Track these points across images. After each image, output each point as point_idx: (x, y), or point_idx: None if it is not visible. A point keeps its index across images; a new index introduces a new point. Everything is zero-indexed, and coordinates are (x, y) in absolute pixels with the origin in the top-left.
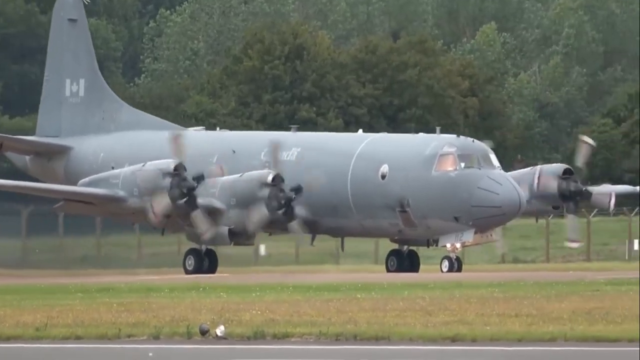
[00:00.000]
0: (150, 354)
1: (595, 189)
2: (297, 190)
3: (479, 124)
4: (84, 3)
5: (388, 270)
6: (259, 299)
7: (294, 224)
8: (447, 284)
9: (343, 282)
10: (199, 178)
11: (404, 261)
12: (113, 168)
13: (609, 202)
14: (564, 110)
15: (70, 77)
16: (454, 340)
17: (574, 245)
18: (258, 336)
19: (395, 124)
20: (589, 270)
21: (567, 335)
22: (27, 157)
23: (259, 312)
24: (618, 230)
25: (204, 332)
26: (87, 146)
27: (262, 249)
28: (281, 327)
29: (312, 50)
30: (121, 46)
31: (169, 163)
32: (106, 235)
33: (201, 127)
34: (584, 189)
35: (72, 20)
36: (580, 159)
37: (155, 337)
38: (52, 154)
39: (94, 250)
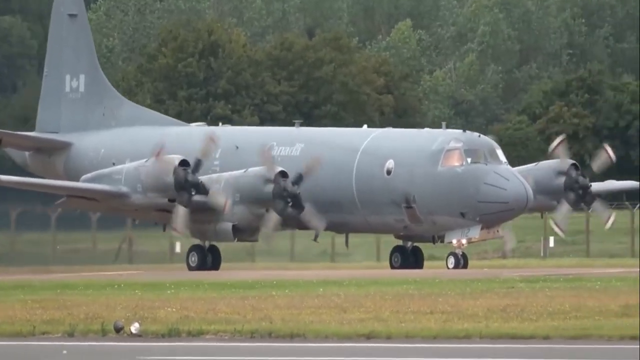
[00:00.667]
0: (65, 352)
1: (599, 185)
2: (298, 179)
3: (394, 121)
4: None
5: (392, 267)
6: (173, 296)
7: (307, 213)
8: (362, 281)
9: (258, 280)
10: (197, 165)
11: (408, 257)
12: (114, 164)
13: (607, 220)
14: (480, 107)
15: (70, 73)
16: (369, 337)
17: (560, 232)
18: (173, 333)
19: (310, 121)
20: (504, 268)
21: (482, 332)
22: (27, 153)
23: (174, 310)
24: (534, 228)
25: (118, 329)
26: (88, 142)
27: (178, 246)
28: (196, 325)
29: (227, 47)
30: (36, 44)
31: (174, 158)
32: (20, 232)
33: (202, 123)
34: (589, 184)
35: (72, 16)
36: (597, 165)
37: (70, 335)
38: (52, 150)
39: (8, 247)
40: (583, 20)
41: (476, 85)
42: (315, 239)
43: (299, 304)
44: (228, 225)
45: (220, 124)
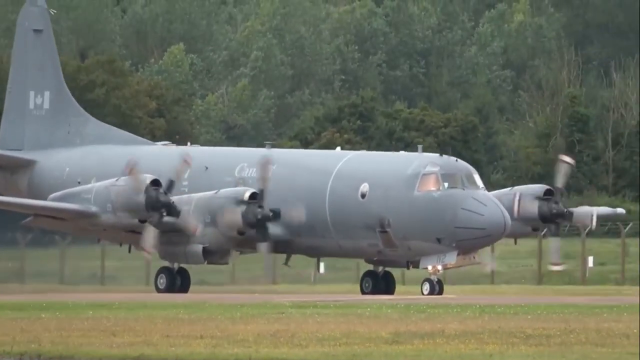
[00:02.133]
0: None
1: (575, 210)
2: (275, 214)
3: None
4: (50, 13)
5: (363, 292)
6: None
7: (264, 246)
8: (132, 305)
9: (28, 302)
10: (170, 186)
11: (379, 283)
12: (79, 183)
13: (591, 221)
14: (251, 132)
15: (34, 89)
16: None
17: (557, 268)
18: None
19: None
20: (275, 293)
21: (252, 357)
22: None
23: None
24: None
25: None
26: (53, 160)
27: None
28: None
29: None
30: None
31: (144, 178)
32: None
33: (168, 142)
34: (565, 210)
35: (37, 31)
36: (560, 180)
37: None
38: (15, 167)
39: None
40: (356, 47)
41: (248, 110)
42: (286, 263)
43: (68, 327)
44: (198, 248)
45: (189, 143)
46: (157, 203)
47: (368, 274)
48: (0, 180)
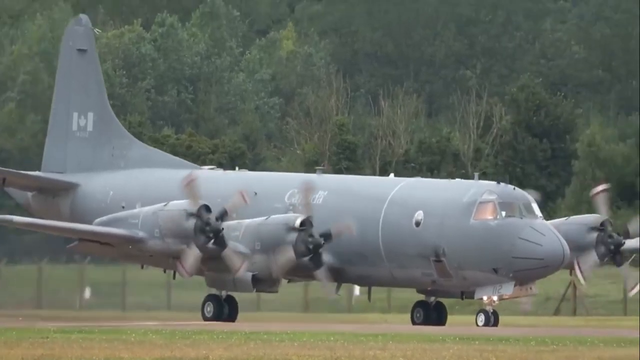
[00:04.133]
0: None
1: (630, 242)
2: (326, 236)
3: None
4: (94, 33)
5: (414, 323)
6: None
7: (321, 272)
8: None
9: None
10: (223, 215)
11: (431, 313)
12: (124, 207)
13: (632, 288)
14: (18, 157)
15: (77, 111)
16: None
17: (582, 280)
18: None
19: None
20: (38, 317)
21: None
22: (30, 194)
23: None
24: (70, 278)
25: None
26: (96, 183)
27: None
28: None
29: None
30: None
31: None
32: None
33: (213, 167)
34: (622, 242)
35: (81, 51)
36: (602, 210)
37: None
38: (57, 190)
39: None
40: (124, 72)
41: (15, 135)
42: (336, 292)
43: None
44: (248, 275)
45: (237, 168)
46: (206, 227)
47: (419, 304)
48: (42, 203)
